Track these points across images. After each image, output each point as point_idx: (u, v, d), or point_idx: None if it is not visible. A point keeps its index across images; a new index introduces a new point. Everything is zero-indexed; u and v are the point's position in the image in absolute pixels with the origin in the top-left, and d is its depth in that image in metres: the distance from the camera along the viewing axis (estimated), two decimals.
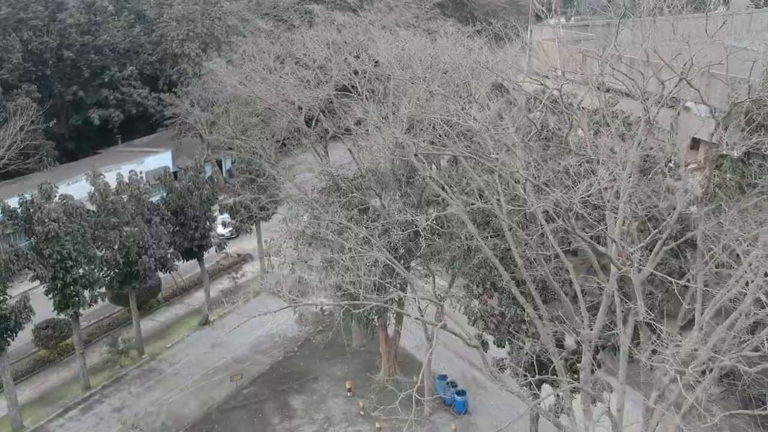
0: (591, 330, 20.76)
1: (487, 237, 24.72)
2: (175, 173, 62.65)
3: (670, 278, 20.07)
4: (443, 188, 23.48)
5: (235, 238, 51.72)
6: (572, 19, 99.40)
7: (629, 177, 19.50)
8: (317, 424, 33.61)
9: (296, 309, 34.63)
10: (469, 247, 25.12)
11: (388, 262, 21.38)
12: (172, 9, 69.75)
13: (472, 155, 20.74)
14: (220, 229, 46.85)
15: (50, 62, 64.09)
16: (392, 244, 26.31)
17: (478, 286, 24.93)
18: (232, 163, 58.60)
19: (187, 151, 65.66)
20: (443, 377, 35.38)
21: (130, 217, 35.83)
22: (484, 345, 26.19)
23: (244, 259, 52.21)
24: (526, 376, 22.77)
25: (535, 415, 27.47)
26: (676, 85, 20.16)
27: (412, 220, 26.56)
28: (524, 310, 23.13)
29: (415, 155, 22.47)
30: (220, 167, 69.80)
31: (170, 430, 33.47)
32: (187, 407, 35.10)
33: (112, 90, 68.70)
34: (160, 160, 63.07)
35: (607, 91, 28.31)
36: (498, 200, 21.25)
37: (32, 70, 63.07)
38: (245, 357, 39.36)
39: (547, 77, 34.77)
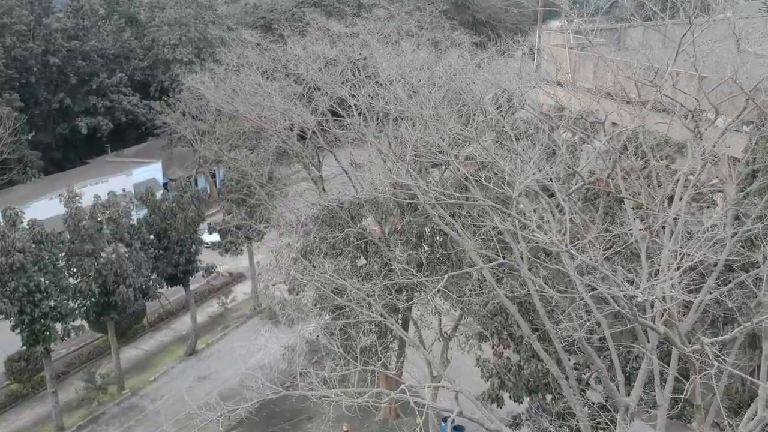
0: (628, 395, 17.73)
1: (503, 278, 21.71)
2: (165, 185, 59.83)
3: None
4: (453, 227, 20.44)
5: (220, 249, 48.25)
6: (575, 21, 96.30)
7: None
8: None
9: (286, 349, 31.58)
10: (481, 287, 22.09)
11: (389, 325, 18.36)
12: (164, 12, 66.86)
13: (497, 206, 17.68)
14: (208, 237, 43.43)
15: (35, 69, 61.12)
16: (394, 285, 23.34)
17: (492, 336, 21.88)
18: (221, 181, 55.81)
19: (178, 162, 62.75)
20: (453, 422, 32.34)
21: (107, 243, 32.84)
22: (499, 400, 23.19)
23: (235, 279, 49.26)
24: None
25: None
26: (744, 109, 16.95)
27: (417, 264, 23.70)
28: (546, 366, 20.12)
29: (432, 207, 19.44)
30: (214, 178, 66.97)
31: None
32: None
33: (100, 97, 65.80)
34: (150, 171, 60.17)
35: (628, 102, 25.39)
36: (519, 248, 18.23)
37: (15, 78, 60.10)
38: (233, 392, 36.25)
39: (560, 84, 31.81)
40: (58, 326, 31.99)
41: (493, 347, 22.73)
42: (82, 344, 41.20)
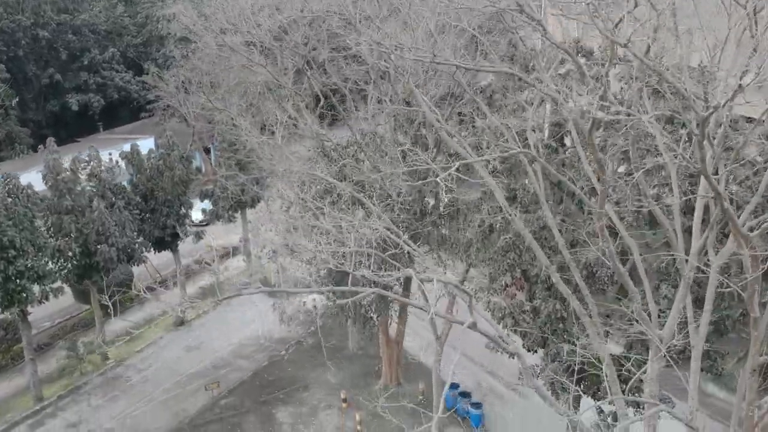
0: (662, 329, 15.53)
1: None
2: None
3: None
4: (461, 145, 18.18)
5: (206, 225, 45.96)
6: None
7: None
8: None
9: (278, 306, 29.44)
10: (491, 228, 19.88)
11: (389, 234, 16.20)
12: None
13: (517, 73, 15.16)
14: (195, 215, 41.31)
15: (23, 42, 59.03)
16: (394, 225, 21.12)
17: (504, 275, 19.66)
18: (213, 145, 53.66)
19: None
20: (455, 386, 30.13)
21: (88, 199, 30.74)
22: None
23: (228, 253, 47.06)
24: (565, 389, 17.56)
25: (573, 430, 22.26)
26: None
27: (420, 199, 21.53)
28: (566, 303, 17.93)
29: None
30: (209, 155, 64.85)
31: None
32: (154, 421, 29.90)
33: (92, 74, 63.73)
34: (143, 147, 57.94)
35: None
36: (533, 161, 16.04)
37: (3, 50, 58.03)
38: (225, 362, 34.16)
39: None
40: (36, 288, 29.88)
41: (505, 287, 20.54)
42: (67, 317, 39.09)
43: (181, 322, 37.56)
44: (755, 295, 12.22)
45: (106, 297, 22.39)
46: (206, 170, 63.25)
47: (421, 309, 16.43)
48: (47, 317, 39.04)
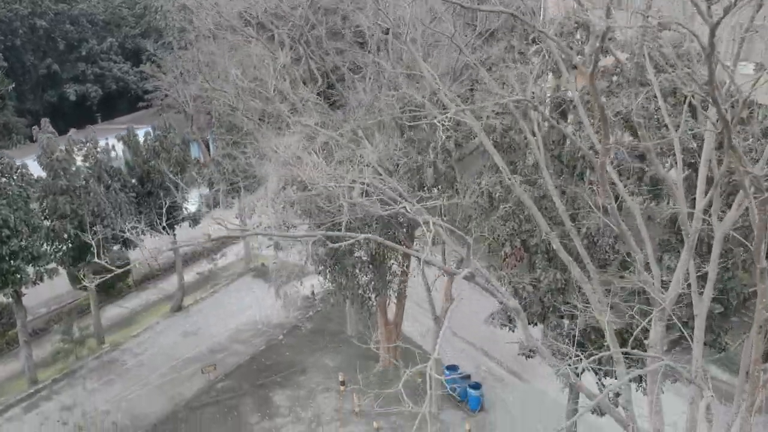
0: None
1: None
2: None
3: None
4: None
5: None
6: None
7: None
8: (304, 423, 28.03)
9: (276, 284, 29.11)
10: (491, 197, 19.51)
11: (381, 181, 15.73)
12: None
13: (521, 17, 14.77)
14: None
15: (21, 31, 58.72)
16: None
17: (503, 245, 19.29)
18: (211, 136, 53.35)
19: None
20: (454, 368, 29.80)
21: (84, 180, 30.40)
22: (511, 322, 20.70)
23: (227, 241, 46.73)
24: (565, 357, 17.13)
25: (572, 412, 21.87)
26: None
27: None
28: (566, 272, 17.58)
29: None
30: (207, 149, 64.55)
31: (127, 430, 27.90)
32: (150, 405, 29.55)
33: (90, 64, 63.44)
34: (140, 135, 57.63)
35: None
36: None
37: (0, 40, 57.71)
38: (222, 347, 33.80)
39: None
40: (30, 269, 29.54)
41: (504, 258, 20.21)
42: (63, 304, 38.76)
43: (178, 308, 37.20)
44: (762, 244, 11.86)
45: (93, 279, 21.91)
46: (205, 161, 62.98)
47: (417, 257, 15.79)
48: (43, 304, 38.73)
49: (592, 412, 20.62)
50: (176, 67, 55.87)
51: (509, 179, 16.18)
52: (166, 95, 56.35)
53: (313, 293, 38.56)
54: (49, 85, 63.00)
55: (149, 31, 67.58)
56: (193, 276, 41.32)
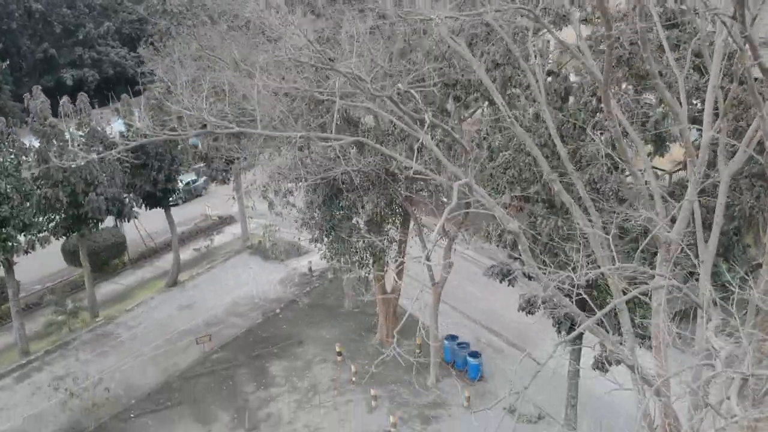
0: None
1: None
2: None
3: None
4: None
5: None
6: None
7: None
8: (300, 392, 27.50)
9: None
10: (490, 146, 19.01)
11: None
12: None
13: None
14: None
15: (17, 14, 58.32)
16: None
17: (503, 195, 18.76)
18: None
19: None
20: (453, 337, 29.30)
21: (77, 147, 29.88)
22: (510, 275, 20.20)
23: (224, 221, 46.29)
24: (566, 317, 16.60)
25: (575, 371, 21.37)
26: None
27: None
28: (567, 218, 17.06)
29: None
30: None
31: (120, 399, 27.39)
32: (144, 375, 29.04)
33: (87, 49, 62.98)
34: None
35: None
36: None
37: None
38: (218, 320, 33.29)
39: None
40: (21, 238, 29.06)
41: (504, 208, 19.68)
42: (57, 280, 38.26)
43: (173, 283, 36.69)
44: None
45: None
46: (202, 146, 62.45)
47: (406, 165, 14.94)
48: (37, 281, 38.26)
49: (594, 368, 20.14)
50: (174, 51, 55.36)
51: (509, 117, 15.64)
52: (164, 80, 55.79)
53: (310, 269, 38.08)
54: (46, 69, 62.56)
55: (149, 11, 67.18)
56: (190, 254, 40.82)
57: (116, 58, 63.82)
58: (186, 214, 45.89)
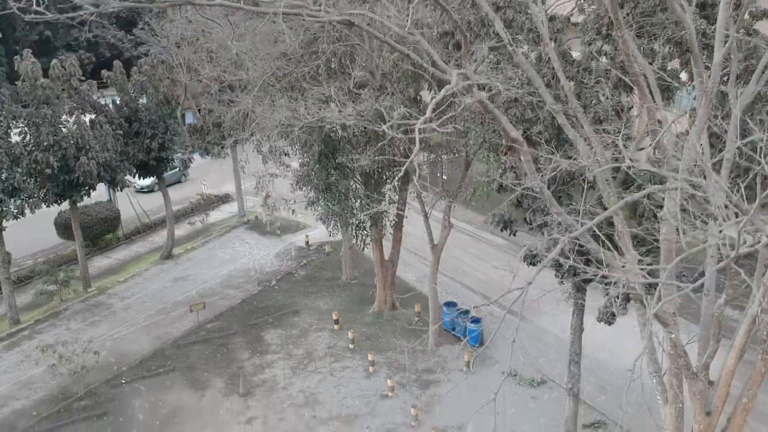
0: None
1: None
2: None
3: None
4: None
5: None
6: None
7: None
8: (295, 359, 26.83)
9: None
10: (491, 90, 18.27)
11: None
12: None
13: None
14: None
15: None
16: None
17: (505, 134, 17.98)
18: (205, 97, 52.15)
19: None
20: (452, 304, 28.64)
21: (68, 111, 29.29)
22: (510, 225, 19.51)
23: (221, 199, 45.67)
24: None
25: (579, 325, 20.63)
26: None
27: None
28: (575, 162, 16.33)
29: None
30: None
31: (111, 366, 26.71)
32: (136, 343, 28.37)
33: (83, 31, 62.21)
34: None
35: None
36: None
37: None
38: (213, 291, 32.62)
39: None
40: (11, 203, 28.39)
41: (505, 152, 19.01)
42: (50, 255, 37.59)
43: (168, 255, 36.03)
44: None
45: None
46: (197, 119, 61.68)
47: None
48: (29, 256, 37.63)
49: (599, 321, 19.44)
50: (171, 33, 54.74)
51: (510, 44, 14.94)
52: (163, 61, 55.11)
53: (307, 243, 37.43)
54: (42, 52, 61.71)
55: None
56: (185, 229, 40.21)
57: (112, 41, 63.02)
58: (182, 194, 45.27)
